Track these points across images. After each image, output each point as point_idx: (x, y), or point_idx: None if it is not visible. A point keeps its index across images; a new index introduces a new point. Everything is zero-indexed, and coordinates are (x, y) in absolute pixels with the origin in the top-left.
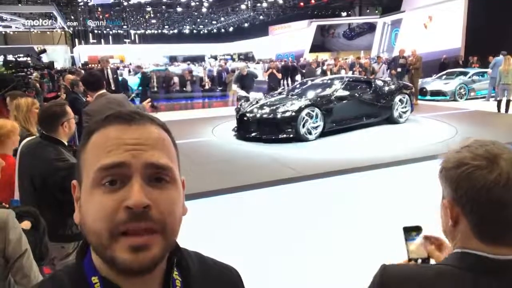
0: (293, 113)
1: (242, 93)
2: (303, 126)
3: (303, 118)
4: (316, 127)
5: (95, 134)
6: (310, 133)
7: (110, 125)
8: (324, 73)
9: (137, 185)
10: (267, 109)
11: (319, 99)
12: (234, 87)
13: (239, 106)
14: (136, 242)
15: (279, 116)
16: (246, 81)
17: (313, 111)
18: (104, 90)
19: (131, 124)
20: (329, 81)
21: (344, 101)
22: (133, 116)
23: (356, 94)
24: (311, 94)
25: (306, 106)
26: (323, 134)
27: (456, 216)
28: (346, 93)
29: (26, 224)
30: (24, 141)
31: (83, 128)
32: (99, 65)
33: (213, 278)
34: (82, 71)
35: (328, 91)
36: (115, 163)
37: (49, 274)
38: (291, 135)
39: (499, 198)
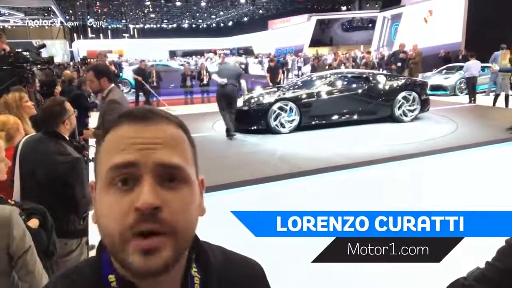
0: (265, 106)
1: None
2: (276, 119)
3: (274, 111)
4: (291, 121)
5: (110, 133)
6: (283, 126)
7: (124, 123)
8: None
9: (147, 185)
10: (249, 102)
11: (295, 93)
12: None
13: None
14: (145, 245)
15: (252, 108)
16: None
17: (286, 105)
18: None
19: (145, 123)
20: (325, 76)
21: (327, 96)
22: (147, 115)
23: (345, 89)
24: (297, 88)
25: (279, 100)
26: (324, 127)
27: None
28: (332, 88)
29: (34, 223)
30: (25, 137)
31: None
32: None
33: (235, 273)
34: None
35: (311, 86)
36: (125, 163)
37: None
38: (261, 127)
39: None
